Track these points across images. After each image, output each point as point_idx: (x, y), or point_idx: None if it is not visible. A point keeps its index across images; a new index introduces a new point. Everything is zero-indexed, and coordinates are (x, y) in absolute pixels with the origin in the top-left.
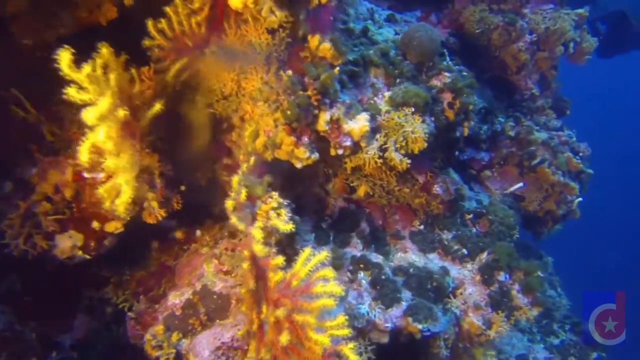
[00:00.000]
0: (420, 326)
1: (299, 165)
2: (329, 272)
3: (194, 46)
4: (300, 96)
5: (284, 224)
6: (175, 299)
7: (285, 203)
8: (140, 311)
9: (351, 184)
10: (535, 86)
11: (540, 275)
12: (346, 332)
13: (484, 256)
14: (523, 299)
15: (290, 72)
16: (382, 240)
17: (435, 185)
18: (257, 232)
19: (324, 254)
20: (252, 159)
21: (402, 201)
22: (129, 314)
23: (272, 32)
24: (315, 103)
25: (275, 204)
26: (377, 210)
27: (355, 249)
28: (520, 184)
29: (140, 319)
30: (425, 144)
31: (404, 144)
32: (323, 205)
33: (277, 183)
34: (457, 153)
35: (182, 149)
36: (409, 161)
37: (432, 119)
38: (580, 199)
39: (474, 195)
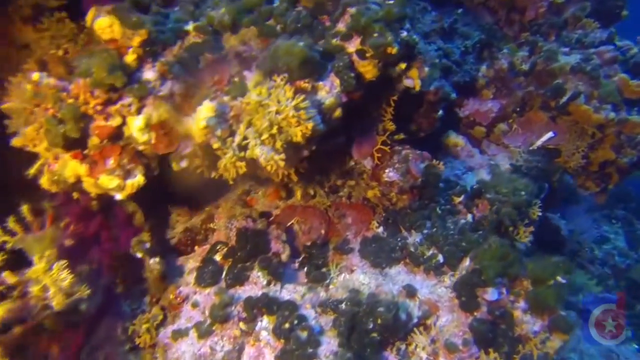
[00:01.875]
0: None
1: (118, 196)
2: None
3: None
4: (68, 106)
5: None
6: None
7: None
8: None
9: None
10: None
11: (559, 283)
12: None
13: (466, 264)
14: (533, 323)
15: (37, 74)
16: (317, 259)
17: (387, 170)
18: None
19: None
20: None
21: (357, 196)
22: None
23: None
24: (92, 111)
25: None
26: (317, 216)
27: (256, 285)
28: (550, 134)
29: None
30: (320, 126)
31: (275, 131)
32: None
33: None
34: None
35: None
36: (282, 158)
37: (336, 82)
38: None
39: (474, 165)
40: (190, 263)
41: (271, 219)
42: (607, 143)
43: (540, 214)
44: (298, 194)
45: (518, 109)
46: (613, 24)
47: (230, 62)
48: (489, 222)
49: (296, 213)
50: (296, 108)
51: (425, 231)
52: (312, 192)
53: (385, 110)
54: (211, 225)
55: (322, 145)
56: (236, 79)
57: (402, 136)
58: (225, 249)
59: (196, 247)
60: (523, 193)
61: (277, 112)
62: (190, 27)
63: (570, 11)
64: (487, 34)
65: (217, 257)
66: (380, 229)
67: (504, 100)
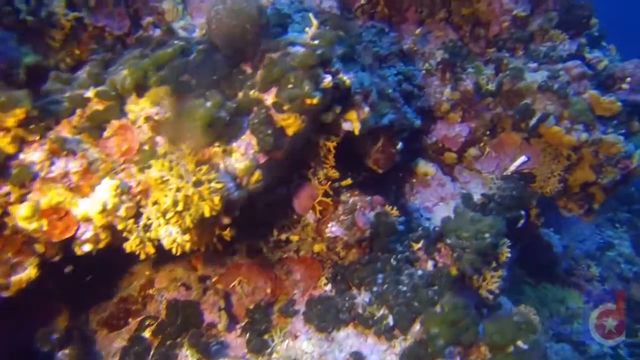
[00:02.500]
0: None
1: (4, 294)
2: None
3: None
4: None
5: None
6: None
7: None
8: None
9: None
10: (519, 3)
11: (520, 350)
12: None
13: (417, 328)
14: None
15: None
16: (260, 323)
17: (330, 224)
18: None
19: None
20: None
21: (306, 250)
22: None
23: None
24: None
25: None
26: (262, 274)
27: None
28: (523, 158)
29: None
30: (234, 194)
31: (181, 208)
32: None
33: None
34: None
35: None
36: (187, 239)
37: (253, 141)
38: None
39: (446, 195)
40: (118, 342)
41: (212, 281)
42: (585, 164)
43: (508, 255)
44: (242, 250)
45: (488, 132)
46: (583, 33)
47: (141, 127)
48: (446, 274)
49: (240, 272)
50: (197, 183)
51: (375, 289)
52: (258, 247)
53: (326, 157)
54: (150, 291)
55: (265, 196)
56: (146, 147)
57: (349, 181)
58: (155, 324)
59: (130, 320)
60: (487, 235)
61: (178, 190)
62: (90, 93)
63: (536, 23)
64: (450, 52)
65: (147, 334)
66: (329, 287)
67: (473, 123)
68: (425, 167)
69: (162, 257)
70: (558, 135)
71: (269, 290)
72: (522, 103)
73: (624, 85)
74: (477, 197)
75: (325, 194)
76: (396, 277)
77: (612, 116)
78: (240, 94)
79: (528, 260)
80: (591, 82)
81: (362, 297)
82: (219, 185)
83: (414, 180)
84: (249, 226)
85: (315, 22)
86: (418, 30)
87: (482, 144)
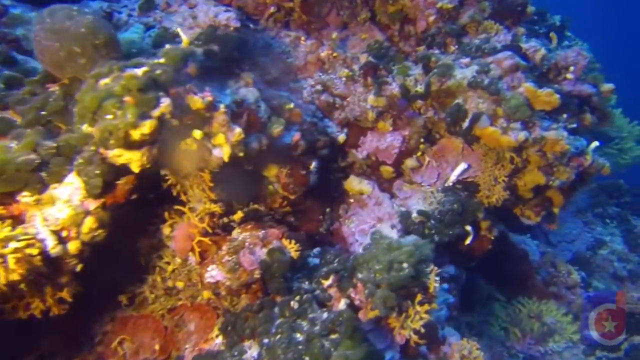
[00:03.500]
0: None
1: None
2: None
3: None
4: None
5: None
6: None
7: None
8: None
9: None
10: None
11: None
12: None
13: None
14: None
15: None
16: None
17: (210, 268)
18: None
19: None
20: None
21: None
22: None
23: None
24: None
25: None
26: (150, 328)
27: None
28: (463, 165)
29: None
30: (56, 250)
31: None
32: None
33: None
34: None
35: None
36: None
37: (81, 184)
38: (595, 143)
39: (383, 215)
40: None
41: (96, 340)
42: (532, 166)
43: (437, 285)
44: (126, 302)
45: (422, 140)
46: (521, 22)
47: None
48: (347, 318)
49: (127, 327)
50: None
51: (266, 340)
52: (149, 294)
53: (204, 190)
54: None
55: (133, 240)
56: None
57: (240, 215)
58: None
59: None
60: (405, 266)
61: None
62: None
63: (467, 15)
64: (375, 55)
65: None
66: (219, 339)
67: (406, 131)
68: (359, 184)
69: None
70: (494, 136)
71: (157, 347)
72: (453, 104)
73: (569, 75)
74: (413, 216)
75: (205, 233)
76: (294, 324)
77: (560, 110)
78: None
79: (500, 273)
80: (531, 74)
81: (252, 352)
82: (21, 244)
83: (351, 200)
84: (128, 272)
85: (185, 37)
86: (335, 35)
87: (419, 154)
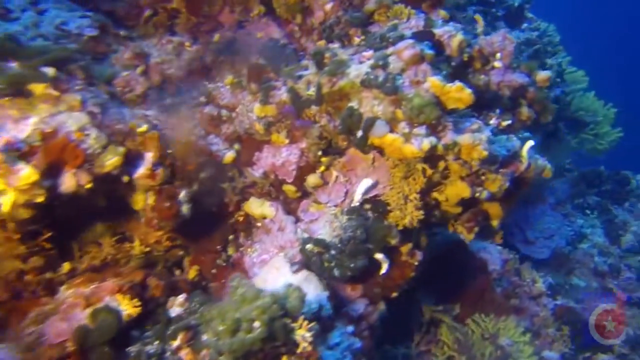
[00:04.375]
0: None
1: None
2: None
3: None
4: None
5: None
6: None
7: None
8: None
9: None
10: None
11: None
12: None
13: None
14: None
15: None
16: None
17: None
18: None
19: None
20: None
21: None
22: None
23: None
24: None
25: None
26: None
27: None
28: (367, 182)
29: None
30: None
31: None
32: None
33: None
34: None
35: None
36: None
37: None
38: (530, 142)
39: (285, 243)
40: None
41: None
42: (453, 177)
43: (310, 344)
44: None
45: (321, 152)
46: (443, 5)
47: None
48: None
49: None
50: None
51: None
52: None
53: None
54: None
55: None
56: None
57: (67, 266)
58: None
59: None
60: (257, 325)
61: None
62: None
63: (372, 1)
64: (266, 56)
65: None
66: None
67: (302, 144)
68: (260, 207)
69: None
70: (395, 146)
71: None
72: (347, 107)
73: (496, 63)
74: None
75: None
76: None
77: (493, 104)
78: None
79: (453, 289)
80: (445, 65)
81: None
82: None
83: (259, 225)
84: None
85: None
86: (217, 36)
87: (322, 168)
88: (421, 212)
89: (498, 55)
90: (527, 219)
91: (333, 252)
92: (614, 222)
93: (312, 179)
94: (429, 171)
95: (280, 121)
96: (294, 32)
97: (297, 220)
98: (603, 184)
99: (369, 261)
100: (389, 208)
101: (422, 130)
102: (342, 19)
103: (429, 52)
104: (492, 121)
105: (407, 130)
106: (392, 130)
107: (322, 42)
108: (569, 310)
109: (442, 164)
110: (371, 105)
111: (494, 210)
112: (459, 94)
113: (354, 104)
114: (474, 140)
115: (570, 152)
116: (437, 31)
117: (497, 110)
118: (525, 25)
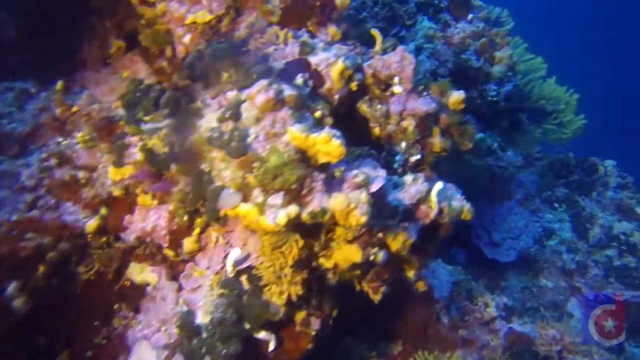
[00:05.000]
0: None
1: None
2: None
3: None
4: None
5: None
6: None
7: None
8: None
9: None
10: (204, 4)
11: None
12: None
13: None
14: None
15: None
16: None
17: None
18: None
19: None
20: None
21: None
22: None
23: None
24: None
25: None
26: None
27: None
28: (235, 253)
29: None
30: None
31: None
32: None
33: None
34: None
35: None
36: None
37: None
38: (439, 185)
39: (166, 316)
40: None
41: None
42: (338, 240)
43: None
44: None
45: (186, 216)
46: (333, 21)
47: None
48: None
49: None
50: None
51: None
52: None
53: None
54: None
55: None
56: None
57: None
58: None
59: None
60: None
61: None
62: None
63: (245, 24)
64: (127, 104)
65: None
66: None
67: (171, 205)
68: (142, 274)
69: None
70: (251, 219)
71: None
72: (195, 173)
73: (396, 89)
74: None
75: None
76: None
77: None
78: None
79: (393, 325)
80: (322, 104)
81: None
82: None
83: (147, 291)
84: None
85: None
86: (60, 84)
87: (197, 230)
88: (299, 287)
89: (396, 79)
90: (493, 219)
91: (204, 335)
92: (581, 215)
93: (187, 244)
94: (301, 242)
95: (141, 182)
96: (163, 69)
97: (181, 287)
98: (571, 173)
99: (252, 340)
100: (262, 283)
101: (277, 199)
102: (206, 52)
103: (290, 92)
104: (397, 158)
105: (260, 199)
106: (245, 199)
107: (186, 82)
108: (520, 337)
109: (322, 230)
110: (219, 169)
111: (410, 262)
112: (325, 145)
113: (205, 166)
114: (349, 203)
115: (536, 142)
116: (314, 59)
117: (403, 144)
118: (471, 15)
